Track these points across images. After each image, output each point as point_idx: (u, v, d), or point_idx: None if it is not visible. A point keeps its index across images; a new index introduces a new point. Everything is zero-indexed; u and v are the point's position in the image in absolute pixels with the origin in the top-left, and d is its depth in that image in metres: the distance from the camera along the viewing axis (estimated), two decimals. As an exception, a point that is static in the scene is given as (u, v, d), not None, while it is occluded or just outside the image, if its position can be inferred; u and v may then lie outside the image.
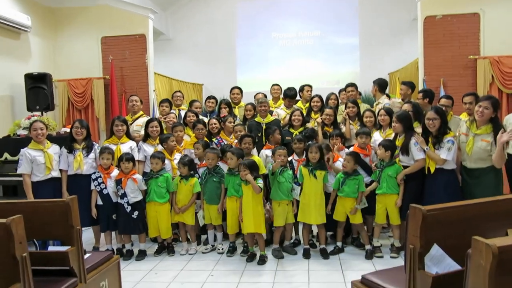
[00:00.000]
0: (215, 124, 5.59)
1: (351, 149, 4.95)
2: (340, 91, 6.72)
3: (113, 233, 5.09)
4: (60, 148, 4.95)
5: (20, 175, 4.85)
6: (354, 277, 3.02)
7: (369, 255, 4.56)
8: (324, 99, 6.04)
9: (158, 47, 9.53)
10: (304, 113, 5.72)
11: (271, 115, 5.80)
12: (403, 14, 10.00)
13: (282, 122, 5.78)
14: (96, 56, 7.88)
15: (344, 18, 10.55)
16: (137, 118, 6.06)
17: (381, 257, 4.55)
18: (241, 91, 6.75)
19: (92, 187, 4.86)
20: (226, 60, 10.90)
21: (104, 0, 7.69)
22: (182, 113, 6.22)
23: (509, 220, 2.43)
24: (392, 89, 8.82)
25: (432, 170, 4.33)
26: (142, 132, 5.57)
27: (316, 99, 5.83)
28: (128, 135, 5.37)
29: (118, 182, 4.82)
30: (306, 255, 4.66)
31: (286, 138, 5.40)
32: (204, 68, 10.86)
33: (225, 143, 5.38)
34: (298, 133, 5.34)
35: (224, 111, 6.16)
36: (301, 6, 10.64)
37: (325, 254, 4.64)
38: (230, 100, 6.59)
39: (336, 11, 10.54)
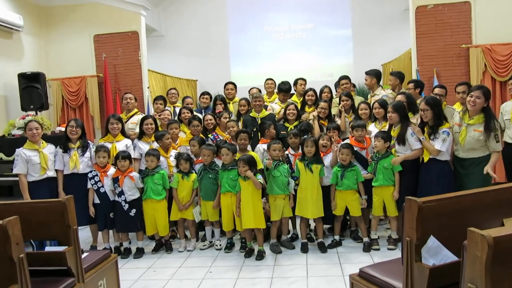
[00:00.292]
0: (210, 120, 5.57)
1: (347, 141, 4.95)
2: (335, 86, 6.72)
3: (111, 231, 5.09)
4: (56, 148, 4.93)
5: (16, 175, 4.83)
6: (352, 270, 3.04)
7: (367, 248, 4.58)
8: (318, 92, 6.03)
9: (151, 43, 9.49)
10: (299, 107, 5.72)
11: (266, 109, 5.79)
12: (395, 4, 9.99)
13: (277, 116, 5.77)
14: (89, 54, 7.84)
15: (337, 9, 10.52)
16: (131, 116, 6.03)
17: (378, 249, 4.57)
18: (235, 87, 6.73)
19: (89, 185, 4.85)
20: (220, 55, 10.86)
21: (96, -3, 7.66)
22: (177, 110, 6.20)
23: (504, 210, 2.44)
24: (386, 81, 8.82)
25: (426, 160, 4.35)
26: (137, 130, 5.55)
27: (310, 93, 5.83)
28: (123, 133, 5.36)
29: (115, 180, 4.82)
30: (304, 249, 4.68)
31: (281, 132, 5.39)
32: (197, 63, 10.82)
33: (221, 138, 5.38)
34: (293, 127, 5.34)
35: (220, 107, 6.14)
36: (293, -1, 10.62)
37: (323, 248, 4.65)
38: (225, 96, 6.58)
39: (328, 3, 10.52)
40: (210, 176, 4.86)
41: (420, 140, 4.37)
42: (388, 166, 4.55)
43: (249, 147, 5.10)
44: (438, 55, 7.05)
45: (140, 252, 4.90)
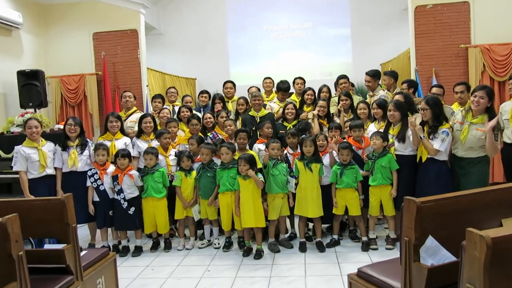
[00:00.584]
0: (209, 118, 5.57)
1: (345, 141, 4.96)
2: (334, 85, 6.72)
3: (109, 229, 5.09)
4: (55, 146, 4.93)
5: (15, 173, 4.83)
6: (351, 270, 3.04)
7: (365, 247, 4.59)
8: (316, 92, 6.02)
9: (150, 42, 9.47)
10: (298, 106, 5.72)
11: (265, 108, 5.80)
12: (394, 3, 9.99)
13: (275, 115, 5.77)
14: (88, 52, 7.85)
15: (336, 8, 10.52)
16: (130, 114, 6.03)
17: (376, 249, 4.58)
18: (234, 85, 6.73)
19: (89, 183, 4.85)
20: (218, 54, 10.85)
21: (95, -5, 7.65)
22: (176, 109, 6.19)
23: (503, 210, 2.45)
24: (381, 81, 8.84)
25: (424, 159, 4.36)
26: (136, 128, 5.55)
27: (309, 92, 5.81)
28: (123, 131, 5.36)
29: (115, 178, 4.82)
30: (302, 248, 4.68)
31: (280, 131, 5.39)
32: (196, 62, 10.81)
33: (220, 137, 5.38)
34: (291, 126, 5.34)
35: (218, 106, 6.14)
36: (292, -3, 10.62)
37: (321, 247, 4.66)
38: (224, 95, 6.57)
39: (327, 2, 10.51)
40: (209, 174, 4.86)
41: (421, 137, 4.36)
42: (386, 165, 4.56)
43: (248, 146, 5.10)
44: (437, 54, 7.07)
45: (138, 250, 4.90)
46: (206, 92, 6.70)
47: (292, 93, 6.53)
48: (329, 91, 6.00)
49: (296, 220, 4.96)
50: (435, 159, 4.33)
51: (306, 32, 10.76)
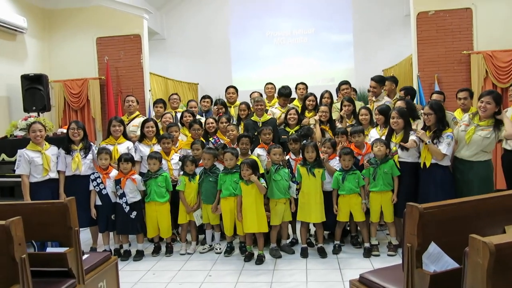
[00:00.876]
0: (212, 123, 5.58)
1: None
2: (336, 91, 6.73)
3: (111, 233, 5.09)
4: (58, 149, 4.94)
5: (18, 176, 4.85)
6: (352, 276, 3.04)
7: (367, 253, 4.58)
8: (318, 98, 6.03)
9: (153, 47, 9.52)
10: (300, 112, 5.72)
11: (266, 113, 5.80)
12: (396, 10, 10.05)
13: (278, 121, 5.77)
14: (91, 56, 7.88)
15: (338, 14, 10.59)
16: (133, 119, 6.05)
17: (378, 255, 4.56)
18: (237, 91, 6.74)
19: (91, 187, 4.86)
20: (221, 59, 10.91)
21: (99, 1, 7.68)
22: (179, 115, 6.19)
23: (506, 217, 2.44)
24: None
25: (428, 165, 4.35)
26: (138, 133, 5.56)
27: (310, 97, 5.81)
28: (125, 136, 5.37)
29: (117, 182, 4.83)
30: (304, 254, 4.67)
31: (282, 136, 5.40)
32: (199, 67, 10.87)
33: (222, 142, 5.38)
34: (293, 132, 5.34)
35: (220, 111, 6.15)
36: (295, 4, 10.67)
37: (322, 253, 4.64)
38: (226, 100, 6.59)
39: (330, 8, 10.58)
40: (211, 179, 4.87)
41: (426, 143, 4.35)
42: (388, 171, 4.55)
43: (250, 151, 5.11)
44: (439, 61, 7.08)
45: (140, 255, 4.90)
46: (208, 97, 6.72)
47: (294, 98, 6.54)
48: (331, 96, 6.00)
49: (298, 226, 4.95)
50: (439, 164, 4.32)
51: (309, 38, 10.82)
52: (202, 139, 5.41)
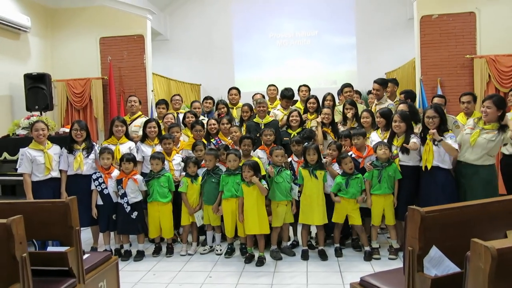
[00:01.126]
0: (214, 124, 5.59)
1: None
2: (338, 93, 6.73)
3: (112, 233, 5.09)
4: (61, 149, 4.95)
5: (19, 175, 4.86)
6: (353, 279, 3.04)
7: (368, 257, 4.56)
8: (320, 100, 6.03)
9: (156, 47, 9.54)
10: (302, 114, 5.72)
11: (269, 115, 5.80)
12: (400, 13, 10.05)
13: (280, 122, 5.77)
14: (94, 56, 7.90)
15: (341, 17, 10.59)
16: (135, 119, 6.06)
17: (379, 258, 4.55)
18: (239, 92, 6.75)
19: (93, 187, 4.86)
20: (224, 60, 10.92)
21: (103, 1, 7.69)
22: (181, 116, 6.20)
23: (508, 221, 2.44)
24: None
25: (429, 167, 4.35)
26: (140, 133, 5.57)
27: (312, 100, 5.81)
28: (127, 136, 5.37)
29: (119, 182, 4.83)
30: (305, 256, 4.66)
31: (284, 138, 5.40)
32: (201, 68, 10.88)
33: (223, 143, 5.38)
34: (296, 134, 5.34)
35: (222, 111, 6.16)
36: (298, 6, 10.67)
37: (323, 256, 4.63)
38: (228, 101, 6.59)
39: (333, 10, 10.58)
40: (213, 180, 4.86)
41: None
42: (392, 174, 4.55)
43: (252, 153, 5.11)
44: (442, 64, 7.08)
45: (140, 255, 4.90)
46: (210, 98, 6.74)
47: (297, 100, 6.54)
48: (333, 99, 6.01)
49: (299, 228, 4.94)
50: (440, 167, 4.33)
51: (312, 40, 10.82)
52: (204, 140, 5.41)
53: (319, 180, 4.61)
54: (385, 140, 4.75)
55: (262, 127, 5.52)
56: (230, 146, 5.25)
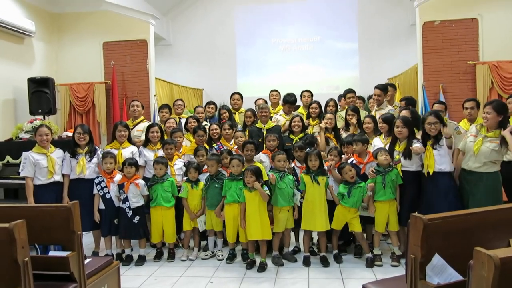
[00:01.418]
0: (216, 130, 5.59)
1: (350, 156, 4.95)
2: (339, 98, 6.72)
3: (113, 238, 5.09)
4: (64, 153, 4.96)
5: (22, 179, 4.86)
6: (355, 286, 3.03)
7: (370, 264, 4.54)
8: (323, 105, 6.03)
9: (159, 52, 9.56)
10: (304, 119, 5.72)
11: (271, 120, 5.80)
12: (402, 19, 10.06)
13: (282, 128, 5.77)
14: (98, 61, 7.92)
15: (344, 23, 10.62)
16: (138, 123, 6.07)
17: (381, 265, 4.53)
18: (242, 97, 6.75)
19: (95, 191, 4.87)
20: (226, 65, 10.94)
21: (106, 6, 7.72)
22: (183, 121, 6.21)
23: (511, 229, 2.43)
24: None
25: (431, 172, 4.35)
26: (143, 137, 5.58)
27: (314, 105, 5.81)
28: (130, 140, 5.38)
29: (121, 186, 4.83)
30: (306, 262, 4.64)
31: (286, 144, 5.40)
32: (204, 73, 10.90)
33: (225, 148, 5.38)
34: (298, 139, 5.34)
35: (224, 116, 6.16)
36: (301, 11, 10.70)
37: (325, 262, 4.62)
38: (231, 106, 6.60)
39: (335, 16, 10.61)
40: (217, 185, 4.86)
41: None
42: (394, 179, 4.54)
43: (255, 158, 5.11)
44: (445, 71, 7.08)
45: (141, 260, 4.89)
46: (213, 103, 6.74)
47: (299, 106, 6.54)
48: (335, 105, 6.01)
49: (301, 234, 4.93)
50: (442, 172, 4.33)
51: (314, 46, 10.83)
52: (205, 145, 5.41)
53: (321, 186, 4.60)
54: (388, 146, 4.75)
55: (265, 132, 5.53)
56: (233, 151, 5.25)
